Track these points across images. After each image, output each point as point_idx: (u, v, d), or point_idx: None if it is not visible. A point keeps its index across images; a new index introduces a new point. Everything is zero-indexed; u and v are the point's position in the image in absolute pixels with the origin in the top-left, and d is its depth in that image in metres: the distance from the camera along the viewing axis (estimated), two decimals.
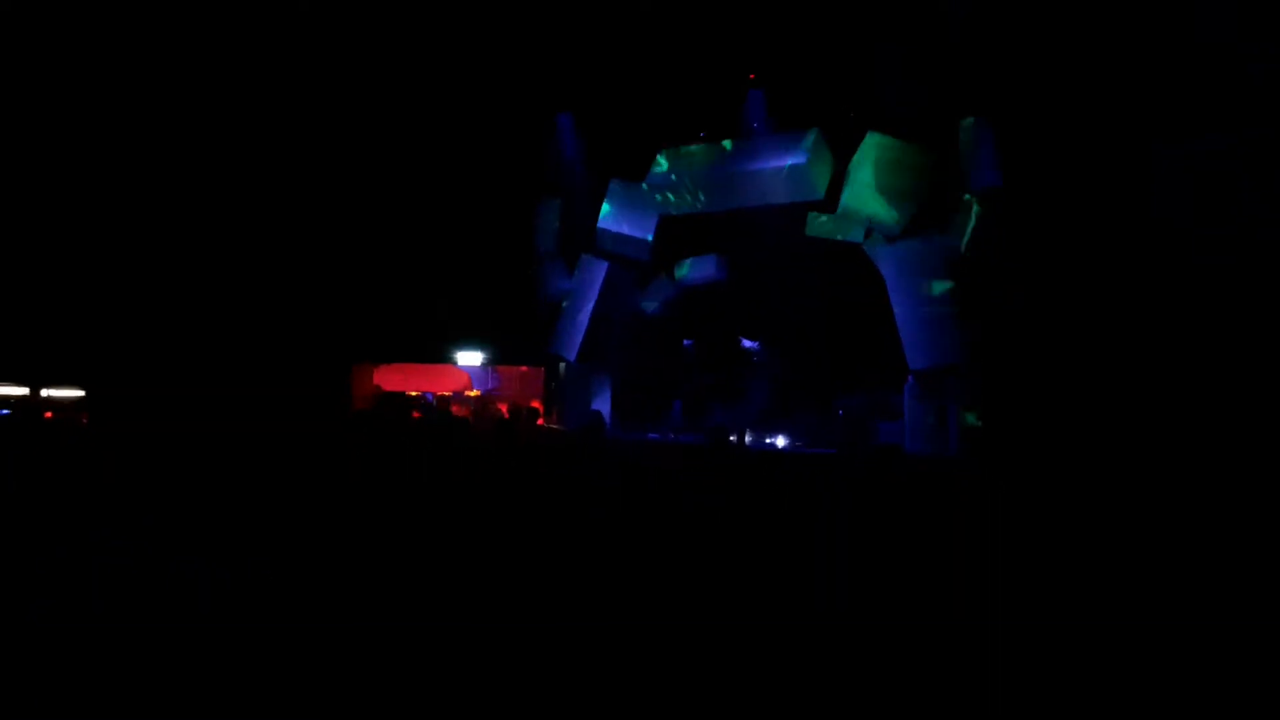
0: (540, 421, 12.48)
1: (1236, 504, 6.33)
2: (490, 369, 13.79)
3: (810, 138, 10.98)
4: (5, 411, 10.53)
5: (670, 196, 12.20)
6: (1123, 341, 8.82)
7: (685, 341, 13.11)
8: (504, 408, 10.88)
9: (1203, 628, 4.28)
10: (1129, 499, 6.74)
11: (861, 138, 10.69)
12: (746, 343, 12.81)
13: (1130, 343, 8.78)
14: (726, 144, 11.87)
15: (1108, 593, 4.81)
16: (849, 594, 4.89)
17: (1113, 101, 9.01)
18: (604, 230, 12.61)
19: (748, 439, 11.52)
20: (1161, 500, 6.58)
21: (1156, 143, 8.74)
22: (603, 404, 12.94)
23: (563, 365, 13.46)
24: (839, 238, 11.18)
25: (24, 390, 11.75)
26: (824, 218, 11.21)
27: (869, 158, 10.34)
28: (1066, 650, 4.12)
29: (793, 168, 10.97)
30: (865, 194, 10.39)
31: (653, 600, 4.59)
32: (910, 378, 10.38)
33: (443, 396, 12.91)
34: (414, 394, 12.53)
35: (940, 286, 10.31)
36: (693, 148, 12.16)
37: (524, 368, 14.02)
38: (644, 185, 12.33)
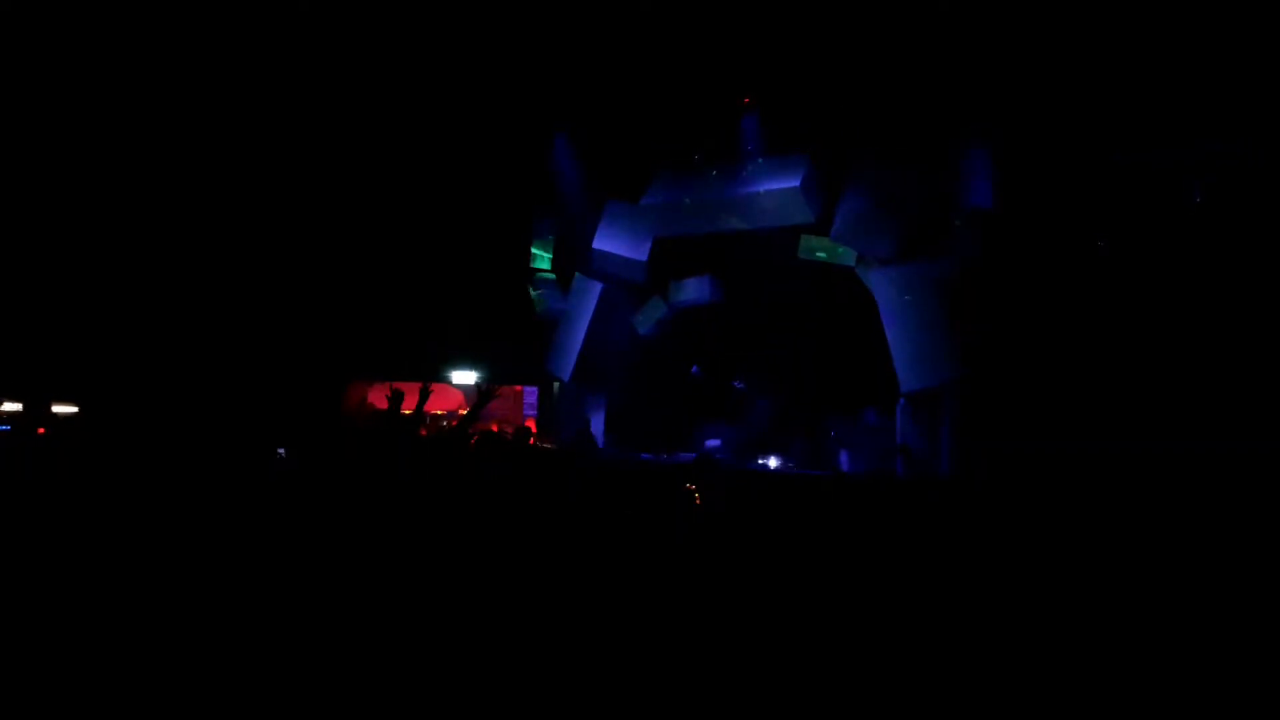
0: (532, 440, 12.50)
1: (1223, 520, 6.38)
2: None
3: (803, 162, 11.09)
4: (5, 428, 10.51)
5: (665, 218, 12.30)
6: (1113, 358, 8.88)
7: (693, 369, 13.08)
8: (495, 427, 10.89)
9: (1195, 639, 4.32)
10: (1119, 517, 6.78)
11: (855, 162, 10.80)
12: (738, 385, 12.86)
13: (1121, 359, 8.84)
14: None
15: (1099, 605, 4.84)
16: (839, 609, 4.91)
17: (1106, 120, 9.14)
18: (599, 251, 12.69)
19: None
20: (1152, 519, 6.63)
21: (1117, 154, 8.88)
22: (597, 424, 12.97)
23: (557, 385, 13.50)
24: (831, 261, 11.27)
25: (19, 406, 11.74)
26: (816, 241, 11.30)
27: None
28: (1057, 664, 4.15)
29: (785, 192, 11.08)
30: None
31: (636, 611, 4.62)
32: (902, 399, 10.43)
33: (436, 415, 12.92)
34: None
35: (932, 309, 10.38)
36: (688, 170, 12.28)
37: (517, 387, 14.06)
38: (639, 207, 12.43)
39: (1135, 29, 8.79)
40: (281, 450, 7.01)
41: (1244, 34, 8.37)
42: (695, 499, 6.93)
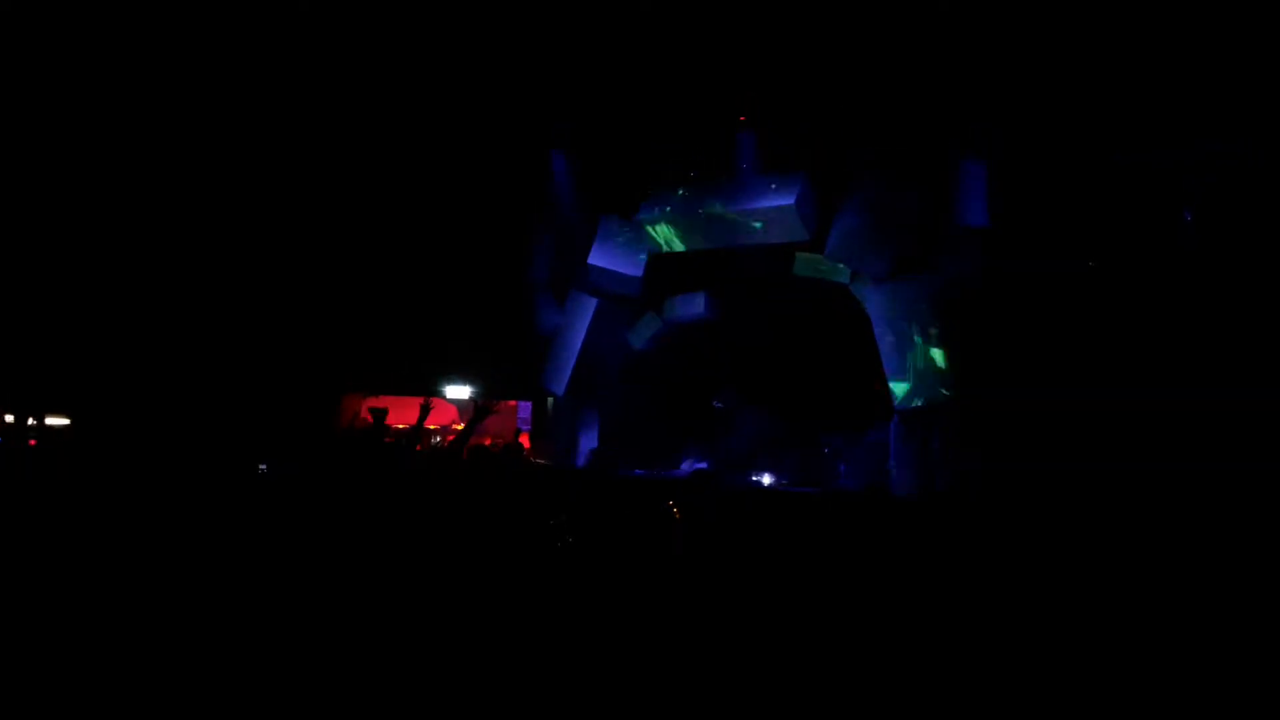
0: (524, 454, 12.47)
1: (1219, 540, 6.39)
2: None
3: (799, 180, 11.16)
4: None
5: (660, 234, 12.34)
6: (1108, 374, 8.88)
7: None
8: (488, 441, 10.88)
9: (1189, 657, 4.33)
10: (1114, 536, 6.80)
11: (850, 179, 10.86)
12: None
13: (1116, 375, 8.84)
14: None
15: (1094, 623, 4.85)
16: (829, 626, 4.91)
17: (1106, 120, 9.16)
18: (594, 267, 12.72)
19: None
20: (1147, 539, 6.64)
21: (1117, 154, 8.92)
22: (590, 439, 12.95)
23: (551, 400, 13.48)
24: (826, 278, 11.33)
25: (10, 418, 11.66)
26: (812, 258, 11.36)
27: None
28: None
29: (780, 210, 11.13)
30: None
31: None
32: (896, 416, 10.45)
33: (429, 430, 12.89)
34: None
35: (926, 326, 10.43)
36: (683, 187, 12.33)
37: (511, 402, 14.04)
38: (635, 222, 12.47)
39: (1135, 29, 8.82)
40: (264, 465, 6.98)
41: (1244, 34, 8.41)
42: (675, 514, 6.91)
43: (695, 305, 12.68)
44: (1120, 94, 9.07)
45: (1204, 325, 8.63)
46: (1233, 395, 8.18)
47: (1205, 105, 8.75)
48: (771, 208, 11.25)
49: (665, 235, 12.36)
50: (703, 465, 12.05)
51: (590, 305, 13.06)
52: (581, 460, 12.75)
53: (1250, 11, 8.36)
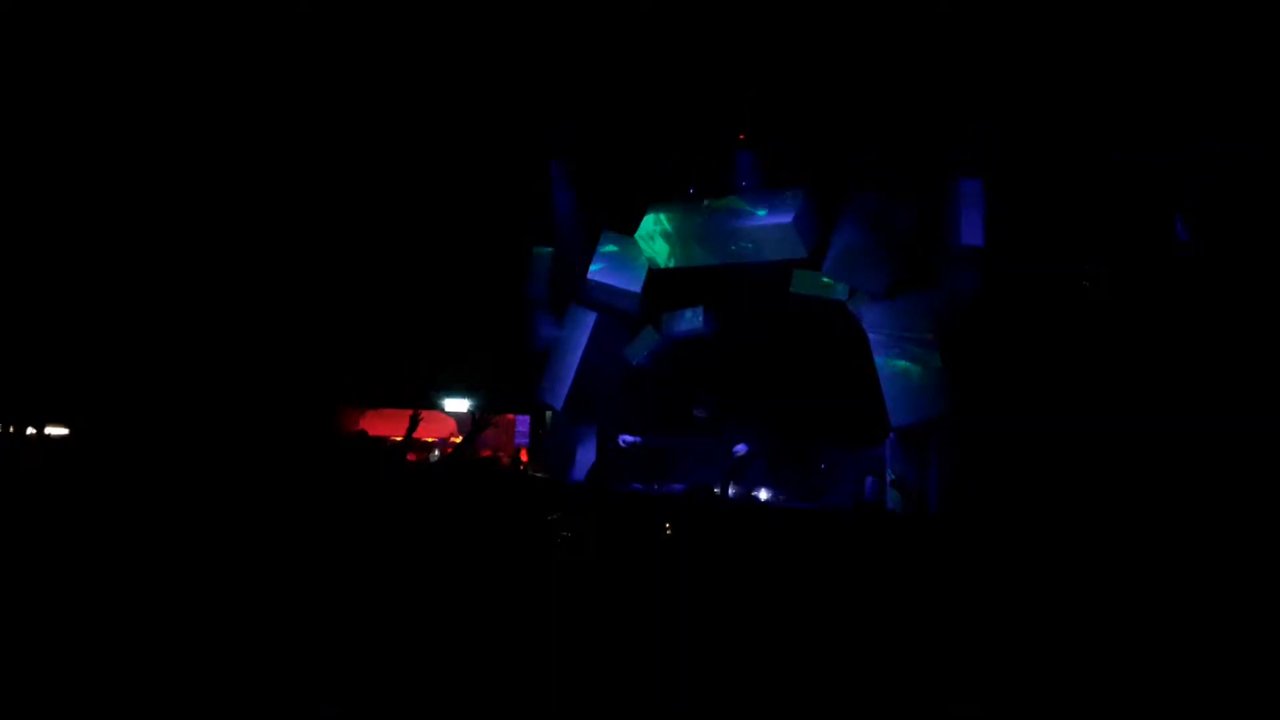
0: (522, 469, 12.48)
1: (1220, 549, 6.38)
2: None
3: (797, 198, 11.21)
4: None
5: (659, 249, 12.39)
6: (1107, 384, 8.86)
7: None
8: (488, 453, 10.89)
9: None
10: (1112, 554, 6.78)
11: (848, 196, 10.90)
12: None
13: (1115, 384, 8.82)
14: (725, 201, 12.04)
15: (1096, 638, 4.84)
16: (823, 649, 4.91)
17: (1106, 120, 9.17)
18: (594, 282, 12.76)
19: (730, 492, 11.54)
20: (1144, 559, 6.62)
21: (1117, 154, 8.93)
22: (587, 453, 12.95)
23: (549, 414, 13.49)
24: (824, 295, 11.36)
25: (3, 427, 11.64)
26: (810, 276, 11.40)
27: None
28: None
29: (779, 227, 11.18)
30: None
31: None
32: (892, 434, 10.46)
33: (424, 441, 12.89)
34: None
35: (923, 344, 10.46)
36: (682, 203, 12.38)
37: (509, 415, 14.05)
38: (634, 238, 12.52)
39: (1134, 29, 8.85)
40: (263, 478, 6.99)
41: (1244, 34, 8.43)
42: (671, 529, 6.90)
43: (693, 321, 12.71)
44: (1120, 94, 9.09)
45: (1205, 336, 8.59)
46: (1236, 402, 8.12)
47: (1205, 105, 8.77)
48: (770, 225, 11.29)
49: (663, 251, 12.41)
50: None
51: (589, 320, 13.09)
52: (579, 474, 12.75)
53: (1250, 11, 8.40)
